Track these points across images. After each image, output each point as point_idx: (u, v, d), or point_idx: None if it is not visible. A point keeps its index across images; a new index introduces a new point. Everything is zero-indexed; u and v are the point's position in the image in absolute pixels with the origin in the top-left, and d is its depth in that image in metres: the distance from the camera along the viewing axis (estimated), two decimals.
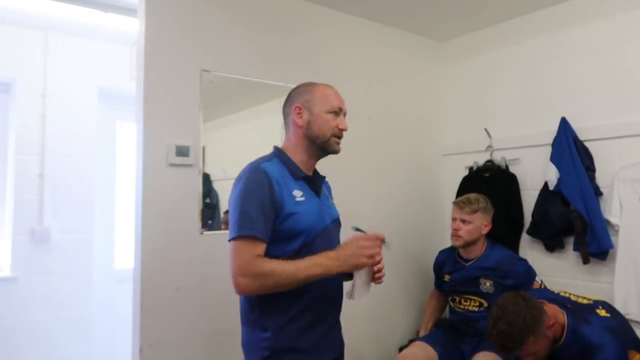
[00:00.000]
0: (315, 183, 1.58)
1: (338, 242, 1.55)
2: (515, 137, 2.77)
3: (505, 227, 2.69)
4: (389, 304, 2.79)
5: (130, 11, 2.52)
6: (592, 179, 2.39)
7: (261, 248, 1.39)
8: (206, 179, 2.25)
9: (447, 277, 2.48)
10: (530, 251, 2.68)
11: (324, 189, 1.64)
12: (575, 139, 2.44)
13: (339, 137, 1.57)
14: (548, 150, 2.54)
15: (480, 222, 2.36)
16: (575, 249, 2.45)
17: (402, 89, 3.00)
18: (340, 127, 1.55)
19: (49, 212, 2.87)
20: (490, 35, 2.96)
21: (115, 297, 3.13)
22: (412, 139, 3.05)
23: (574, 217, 2.38)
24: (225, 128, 2.35)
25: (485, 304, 2.30)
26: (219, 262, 2.16)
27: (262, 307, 1.45)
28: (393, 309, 2.81)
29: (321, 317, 1.51)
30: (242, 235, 1.38)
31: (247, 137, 2.41)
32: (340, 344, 1.62)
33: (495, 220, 2.66)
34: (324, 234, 1.51)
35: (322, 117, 1.53)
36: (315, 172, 1.62)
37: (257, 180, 1.42)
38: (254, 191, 1.41)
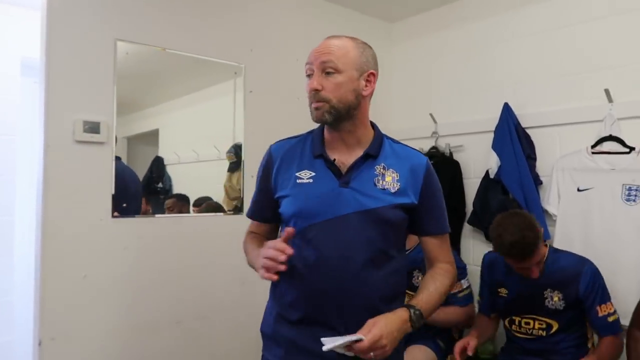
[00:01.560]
0: (344, 163, 1.29)
1: (361, 236, 1.25)
2: (460, 123, 2.68)
3: (448, 216, 2.61)
4: None
5: None
6: (532, 167, 2.33)
7: (255, 226, 1.46)
8: (160, 163, 2.16)
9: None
10: (472, 240, 2.61)
11: (381, 170, 1.29)
12: (517, 125, 2.36)
13: (311, 101, 1.27)
14: (490, 137, 2.46)
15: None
16: None
17: None
18: (306, 89, 1.27)
19: None
20: (439, 16, 2.85)
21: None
22: None
23: (513, 206, 2.30)
24: (179, 110, 2.24)
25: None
26: (135, 248, 2.02)
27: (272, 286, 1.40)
28: None
29: (316, 317, 1.26)
30: (247, 215, 1.48)
31: (201, 120, 2.30)
32: None
33: None
34: (329, 225, 1.24)
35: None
36: (371, 148, 1.31)
37: (261, 162, 1.41)
38: (257, 173, 1.42)
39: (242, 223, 1.54)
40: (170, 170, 2.19)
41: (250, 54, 2.42)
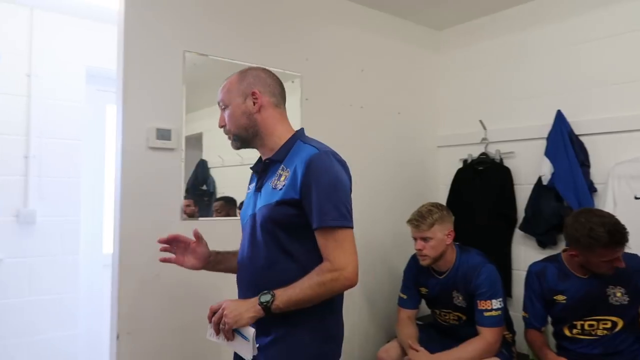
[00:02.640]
0: (264, 171, 1.44)
1: (253, 239, 1.39)
2: (511, 129, 2.70)
3: (498, 222, 2.64)
4: (380, 298, 2.75)
5: None
6: (586, 174, 2.33)
7: None
8: (204, 166, 2.21)
9: (424, 291, 2.30)
10: (523, 247, 2.62)
11: (280, 171, 1.37)
12: (570, 133, 2.37)
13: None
14: (543, 144, 2.48)
15: (441, 234, 2.14)
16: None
17: (398, 77, 2.93)
18: None
19: (34, 195, 2.82)
20: (488, 24, 2.88)
21: (103, 282, 3.08)
22: (407, 129, 2.98)
23: (567, 213, 2.31)
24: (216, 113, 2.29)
25: (464, 317, 2.19)
26: None
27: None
28: (382, 304, 2.78)
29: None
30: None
31: None
32: None
33: (487, 215, 2.62)
34: (244, 230, 1.47)
35: None
36: (277, 154, 1.41)
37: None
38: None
39: None
40: (214, 173, 2.24)
41: (305, 63, 2.51)
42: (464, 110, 2.98)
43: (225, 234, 2.20)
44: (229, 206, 2.30)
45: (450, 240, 2.18)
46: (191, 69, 2.13)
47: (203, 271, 2.11)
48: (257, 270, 1.37)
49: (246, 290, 1.41)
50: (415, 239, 2.20)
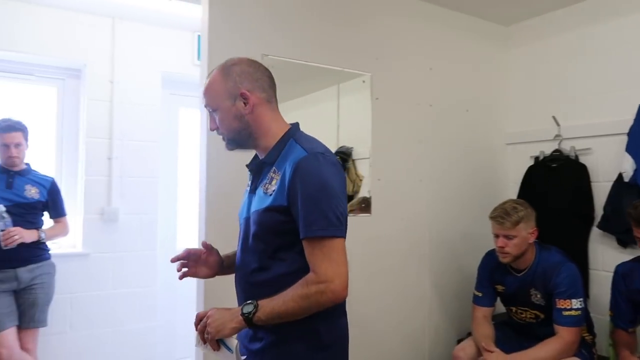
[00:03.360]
0: (258, 172, 1.36)
1: (245, 244, 1.34)
2: (586, 125, 2.61)
3: (574, 221, 2.57)
4: (450, 296, 2.75)
5: None
6: None
7: None
8: None
9: (500, 288, 2.28)
10: (601, 246, 2.54)
11: (272, 174, 1.29)
12: None
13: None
14: (623, 139, 2.39)
15: (525, 233, 2.11)
16: None
17: (465, 75, 2.90)
18: None
19: (116, 194, 3.00)
20: (556, 19, 2.80)
21: (176, 276, 3.24)
22: (475, 126, 2.95)
23: None
24: (287, 113, 2.35)
25: (542, 316, 2.14)
26: None
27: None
28: (453, 302, 2.77)
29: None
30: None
31: (305, 123, 2.40)
32: None
33: (562, 213, 2.56)
34: (239, 231, 1.41)
35: None
36: (269, 156, 1.32)
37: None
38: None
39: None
40: None
41: (375, 62, 2.53)
42: (534, 106, 2.91)
43: None
44: None
45: (533, 239, 2.14)
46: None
47: None
48: (248, 274, 1.32)
49: (240, 292, 1.37)
50: (496, 235, 2.16)
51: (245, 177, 2.10)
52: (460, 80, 2.87)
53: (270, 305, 1.18)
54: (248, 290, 1.31)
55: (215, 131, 1.34)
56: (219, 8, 2.09)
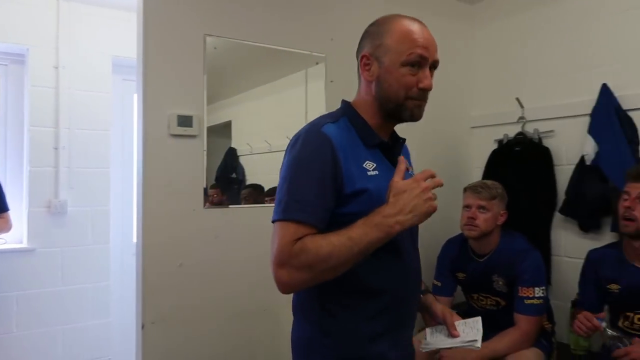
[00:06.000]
0: (394, 151, 1.20)
1: (413, 237, 1.24)
2: (550, 107, 2.53)
3: (536, 206, 2.49)
4: None
5: None
6: (635, 152, 2.16)
7: (301, 234, 1.04)
8: (233, 153, 2.18)
9: (461, 276, 2.21)
10: (564, 231, 2.47)
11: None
12: (617, 108, 2.20)
13: (420, 99, 1.13)
14: (587, 121, 2.31)
15: (497, 210, 2.08)
16: (612, 229, 2.22)
17: None
18: (420, 85, 1.11)
19: (64, 185, 2.86)
20: None
21: (133, 271, 3.12)
22: (439, 109, 2.82)
23: (613, 194, 2.15)
24: (251, 101, 2.26)
25: (503, 303, 2.08)
26: (225, 238, 2.09)
27: (326, 304, 1.13)
28: None
29: (398, 324, 1.19)
30: (287, 218, 1.03)
31: (273, 110, 2.31)
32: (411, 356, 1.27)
33: (524, 198, 2.48)
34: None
35: (395, 72, 1.11)
36: (394, 135, 1.25)
37: (315, 147, 1.08)
38: (311, 161, 1.06)
39: None
40: (243, 160, 2.21)
41: (330, 43, 2.41)
42: (499, 88, 2.82)
43: (253, 222, 2.17)
44: (257, 194, 2.27)
45: (502, 221, 2.11)
46: (213, 53, 2.08)
47: (226, 262, 2.09)
48: (419, 270, 1.31)
49: (412, 296, 1.26)
50: (468, 206, 2.11)
51: (188, 167, 2.01)
52: None
53: None
54: (418, 291, 1.27)
55: (421, 91, 1.14)
56: None
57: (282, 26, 2.26)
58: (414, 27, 1.16)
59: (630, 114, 2.20)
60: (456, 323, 1.28)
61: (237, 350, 2.10)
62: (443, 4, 2.86)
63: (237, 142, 2.20)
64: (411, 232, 1.21)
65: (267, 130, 2.30)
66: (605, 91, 2.23)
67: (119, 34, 2.99)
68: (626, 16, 2.26)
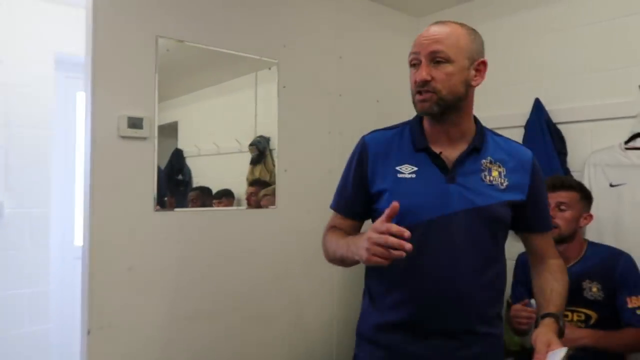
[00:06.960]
0: (442, 157, 1.24)
1: (471, 236, 1.20)
2: (488, 118, 2.65)
3: None
4: (359, 290, 2.73)
5: None
6: (563, 162, 2.34)
7: (339, 220, 1.41)
8: (179, 155, 2.15)
9: None
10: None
11: (487, 164, 1.24)
12: (548, 121, 2.37)
13: (418, 93, 1.22)
14: (521, 132, 2.48)
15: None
16: None
17: (376, 65, 2.89)
18: (412, 80, 1.24)
19: (1, 186, 2.72)
20: (467, 11, 2.84)
21: (75, 275, 3.00)
22: (386, 117, 2.91)
23: None
24: (199, 102, 2.24)
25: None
26: (175, 241, 2.07)
27: (367, 288, 1.42)
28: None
29: (423, 318, 1.23)
30: (331, 206, 1.45)
31: (222, 113, 2.30)
32: None
33: None
34: (436, 224, 1.19)
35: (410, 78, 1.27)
36: (476, 140, 1.26)
37: (353, 151, 1.40)
38: (347, 163, 1.40)
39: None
40: (189, 162, 2.20)
41: (283, 49, 2.45)
42: None
43: (201, 225, 2.17)
44: (204, 196, 2.25)
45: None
46: (165, 55, 2.06)
47: (178, 264, 2.08)
48: (470, 273, 1.24)
49: (456, 297, 1.22)
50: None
51: (138, 170, 1.97)
52: (371, 70, 2.86)
53: (562, 309, 1.33)
54: (462, 291, 1.21)
55: (421, 83, 1.20)
56: None
57: (236, 31, 2.28)
58: (422, 31, 1.27)
59: (560, 126, 2.38)
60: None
61: (187, 355, 2.09)
62: (390, 15, 2.97)
63: (184, 143, 2.17)
64: (454, 233, 1.21)
65: (216, 132, 2.29)
66: (537, 105, 2.41)
67: (62, 29, 2.88)
68: (558, 36, 2.45)
